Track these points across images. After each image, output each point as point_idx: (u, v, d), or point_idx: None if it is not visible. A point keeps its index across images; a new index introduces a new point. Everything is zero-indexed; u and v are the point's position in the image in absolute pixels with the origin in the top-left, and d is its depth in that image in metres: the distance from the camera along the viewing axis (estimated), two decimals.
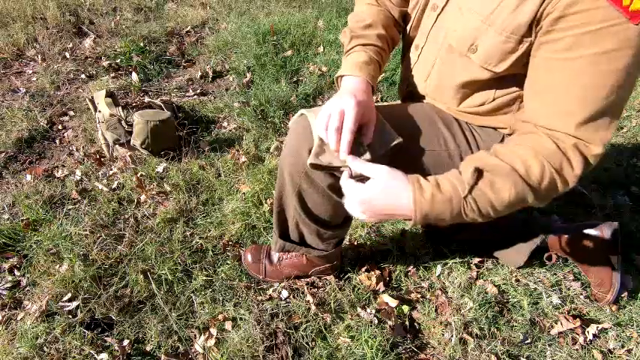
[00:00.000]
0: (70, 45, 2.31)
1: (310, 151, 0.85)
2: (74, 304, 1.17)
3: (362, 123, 0.79)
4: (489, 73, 0.79)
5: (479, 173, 0.69)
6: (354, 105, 0.75)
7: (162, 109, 1.74)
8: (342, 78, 0.88)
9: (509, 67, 0.76)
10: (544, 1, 0.65)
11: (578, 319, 1.17)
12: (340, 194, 0.95)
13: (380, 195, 0.71)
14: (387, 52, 0.96)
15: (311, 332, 1.13)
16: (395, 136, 0.85)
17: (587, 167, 0.70)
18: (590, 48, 0.63)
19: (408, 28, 0.95)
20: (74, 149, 1.73)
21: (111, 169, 1.63)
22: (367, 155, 0.79)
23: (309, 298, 1.20)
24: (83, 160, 1.67)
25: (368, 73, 0.86)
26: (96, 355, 1.07)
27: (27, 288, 1.24)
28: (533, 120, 0.74)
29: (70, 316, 1.15)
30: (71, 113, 1.90)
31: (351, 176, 0.77)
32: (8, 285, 1.23)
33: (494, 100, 0.84)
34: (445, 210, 0.70)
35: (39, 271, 1.25)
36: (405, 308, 1.19)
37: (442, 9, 0.84)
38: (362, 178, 0.76)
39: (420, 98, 0.99)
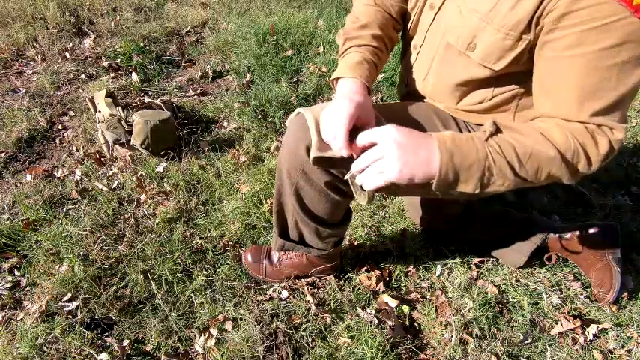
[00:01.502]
0: (70, 45, 2.31)
1: (307, 149, 0.85)
2: (74, 304, 1.17)
3: (360, 124, 0.78)
4: (489, 71, 0.79)
5: (497, 126, 0.70)
6: (347, 105, 0.74)
7: (163, 109, 1.74)
8: (337, 81, 0.87)
9: (508, 64, 0.76)
10: None
11: (578, 319, 1.17)
12: (337, 192, 0.95)
13: (405, 135, 0.67)
14: (385, 52, 0.95)
15: (311, 332, 1.13)
16: None
17: (611, 152, 0.70)
18: (597, 44, 0.64)
19: (408, 27, 0.95)
20: (74, 149, 1.73)
21: (111, 169, 1.63)
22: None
23: (309, 298, 1.20)
24: (83, 160, 1.67)
25: (362, 73, 0.85)
26: (96, 355, 1.07)
27: (27, 288, 1.24)
28: (548, 116, 0.74)
29: (70, 316, 1.15)
30: (71, 113, 1.90)
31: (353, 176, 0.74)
32: (8, 285, 1.23)
33: (492, 97, 0.85)
34: (470, 150, 0.67)
35: (39, 271, 1.25)
36: (405, 308, 1.19)
37: (439, 8, 0.84)
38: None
39: (419, 98, 0.99)
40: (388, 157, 0.67)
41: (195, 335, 1.13)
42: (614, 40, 0.63)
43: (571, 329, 1.16)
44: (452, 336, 1.13)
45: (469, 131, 0.92)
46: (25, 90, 2.00)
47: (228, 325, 1.14)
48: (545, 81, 0.73)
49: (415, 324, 1.18)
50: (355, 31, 0.91)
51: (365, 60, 0.87)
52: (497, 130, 0.69)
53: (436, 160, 0.66)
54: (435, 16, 0.85)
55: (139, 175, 1.57)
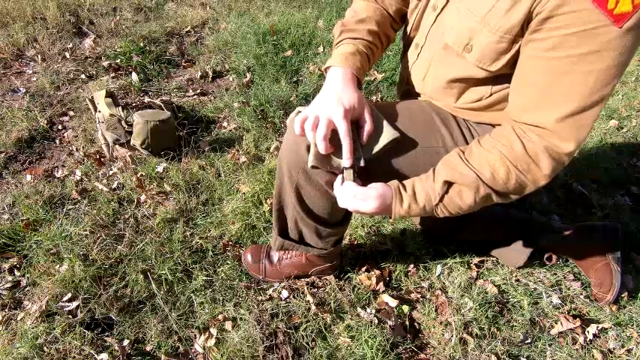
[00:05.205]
0: (70, 45, 2.31)
1: (308, 148, 0.86)
2: (74, 304, 1.17)
3: (353, 118, 0.83)
4: (485, 72, 0.80)
5: (448, 185, 0.79)
6: (343, 115, 0.78)
7: (163, 109, 1.74)
8: (329, 69, 0.89)
9: (503, 66, 0.77)
10: (534, 1, 0.66)
11: (578, 319, 1.17)
12: None
13: (371, 210, 0.81)
14: (379, 48, 0.97)
15: (311, 332, 1.13)
16: (393, 131, 0.86)
17: (560, 166, 0.75)
18: (575, 48, 0.65)
19: (409, 28, 0.96)
20: (74, 149, 1.73)
21: (111, 169, 1.63)
22: (361, 162, 0.84)
23: (309, 298, 1.20)
24: (83, 160, 1.67)
25: (353, 64, 0.87)
26: (96, 355, 1.07)
27: (27, 288, 1.24)
28: (514, 115, 0.77)
29: (70, 316, 1.15)
30: (71, 113, 1.90)
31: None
32: (8, 285, 1.23)
33: (491, 95, 0.85)
34: (419, 214, 0.83)
35: (39, 271, 1.25)
36: (405, 308, 1.19)
37: (442, 9, 0.84)
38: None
39: (418, 96, 0.99)
40: (353, 210, 0.84)
41: (195, 335, 1.13)
42: (592, 47, 0.63)
43: (571, 329, 1.16)
44: (452, 336, 1.13)
45: (469, 130, 0.93)
46: (25, 90, 2.00)
47: (228, 325, 1.14)
48: (521, 76, 0.75)
49: (415, 324, 1.18)
50: (352, 24, 0.94)
51: (358, 51, 0.89)
52: (449, 187, 0.79)
53: (390, 214, 0.83)
54: (436, 17, 0.85)
55: (138, 175, 1.57)
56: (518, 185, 0.76)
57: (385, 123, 0.87)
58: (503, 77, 0.80)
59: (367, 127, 0.83)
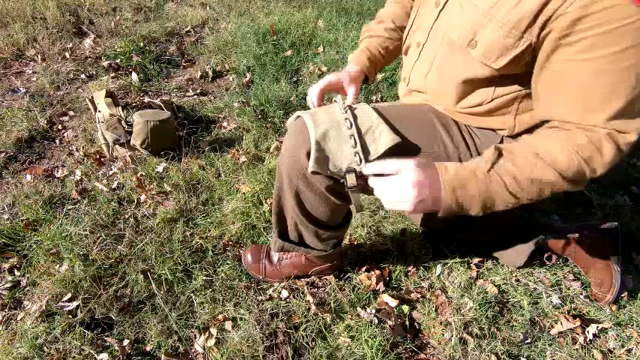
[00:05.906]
0: (70, 45, 2.31)
1: (308, 154, 0.86)
2: (74, 304, 1.17)
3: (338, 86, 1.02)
4: (489, 70, 0.78)
5: (499, 152, 0.73)
6: (329, 76, 1.02)
7: (163, 109, 1.74)
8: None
9: (507, 63, 0.76)
10: (549, 1, 0.65)
11: (578, 319, 1.17)
12: (338, 196, 0.95)
13: (421, 175, 0.72)
14: (396, 40, 1.10)
15: (311, 332, 1.13)
16: (393, 135, 0.86)
17: (620, 155, 0.71)
18: (611, 47, 0.64)
19: (410, 26, 0.96)
20: (74, 149, 1.73)
21: (111, 169, 1.63)
22: (363, 166, 0.84)
23: (309, 298, 1.20)
24: (83, 160, 1.67)
25: (360, 60, 1.07)
26: (96, 355, 1.07)
27: (27, 288, 1.24)
28: (560, 118, 0.74)
29: (70, 316, 1.15)
30: (71, 113, 1.90)
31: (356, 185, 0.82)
32: (8, 285, 1.23)
33: (492, 100, 0.84)
34: (472, 183, 0.71)
35: (39, 271, 1.25)
36: (405, 308, 1.19)
37: (444, 5, 0.84)
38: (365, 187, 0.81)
39: (419, 96, 0.99)
40: (406, 194, 0.71)
41: (195, 335, 1.13)
42: (629, 42, 0.63)
43: (571, 329, 1.16)
44: (452, 336, 1.13)
45: (470, 135, 0.92)
46: (25, 90, 2.00)
47: (228, 325, 1.14)
48: (558, 82, 0.72)
49: (415, 324, 1.18)
50: (373, 25, 1.12)
51: (367, 48, 1.08)
52: (499, 155, 0.72)
53: (441, 198, 0.72)
54: (439, 13, 0.85)
55: (138, 175, 1.57)
56: (577, 173, 0.72)
57: (385, 127, 0.86)
58: (506, 79, 0.80)
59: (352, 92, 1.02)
